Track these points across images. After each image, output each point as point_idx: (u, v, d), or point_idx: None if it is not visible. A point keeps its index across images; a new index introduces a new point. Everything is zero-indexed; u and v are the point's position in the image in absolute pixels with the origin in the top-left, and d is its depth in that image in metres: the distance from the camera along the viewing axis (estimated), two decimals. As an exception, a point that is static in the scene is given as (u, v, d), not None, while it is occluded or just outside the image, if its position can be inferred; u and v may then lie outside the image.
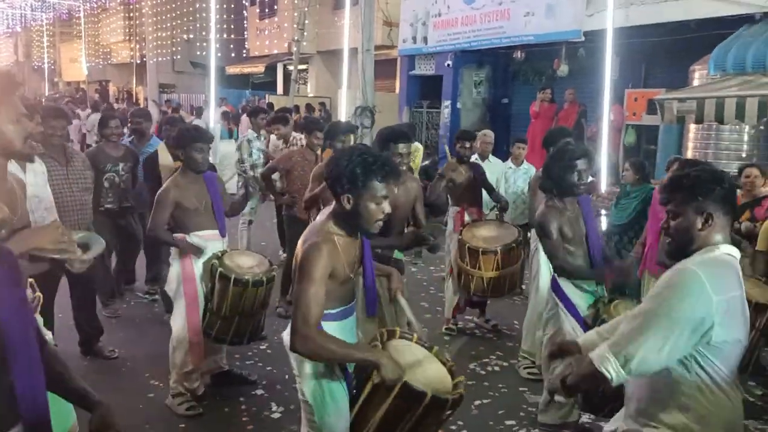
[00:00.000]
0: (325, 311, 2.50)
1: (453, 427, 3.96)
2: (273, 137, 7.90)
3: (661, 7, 8.78)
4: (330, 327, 2.51)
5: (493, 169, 6.48)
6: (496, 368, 4.89)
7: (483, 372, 4.82)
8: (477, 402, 4.31)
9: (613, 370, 1.98)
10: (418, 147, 8.10)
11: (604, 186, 7.84)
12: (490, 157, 6.62)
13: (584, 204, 3.80)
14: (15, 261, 1.67)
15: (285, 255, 6.56)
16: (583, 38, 9.73)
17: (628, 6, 8.92)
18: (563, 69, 10.60)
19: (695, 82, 8.24)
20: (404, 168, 3.85)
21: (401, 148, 3.77)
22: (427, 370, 2.53)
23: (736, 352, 2.04)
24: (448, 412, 2.47)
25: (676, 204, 2.12)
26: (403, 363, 2.42)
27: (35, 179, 4.04)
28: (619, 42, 8.43)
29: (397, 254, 3.99)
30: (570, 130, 6.26)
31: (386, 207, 2.48)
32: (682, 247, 2.11)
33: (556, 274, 3.75)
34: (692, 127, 8.10)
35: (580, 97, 10.40)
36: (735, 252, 2.08)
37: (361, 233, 2.60)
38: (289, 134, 7.35)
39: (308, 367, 2.54)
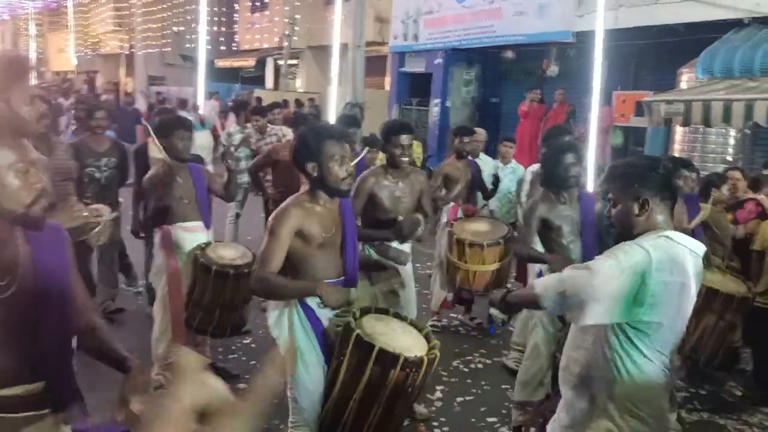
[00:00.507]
0: None
1: (435, 424, 3.97)
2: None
3: (651, 10, 8.84)
4: (313, 301, 2.70)
5: (484, 167, 6.48)
6: (480, 365, 4.91)
7: (466, 369, 4.83)
8: (459, 399, 4.32)
9: (551, 300, 2.16)
10: (418, 144, 8.07)
11: (591, 187, 7.87)
12: (481, 155, 6.62)
13: (584, 202, 3.84)
14: (60, 234, 1.86)
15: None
16: (573, 39, 9.76)
17: (618, 8, 8.95)
18: (553, 69, 10.64)
19: (683, 85, 8.30)
20: (407, 160, 3.90)
21: (403, 139, 3.85)
22: (402, 337, 2.63)
23: (663, 336, 2.11)
24: (423, 374, 2.55)
25: (614, 192, 2.23)
26: (376, 332, 2.56)
27: None
28: (608, 44, 8.45)
29: (401, 245, 4.00)
30: (570, 128, 6.24)
31: (349, 167, 2.74)
32: (624, 233, 2.21)
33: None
34: (679, 129, 8.16)
35: (569, 98, 10.43)
36: (680, 237, 2.14)
37: (334, 195, 2.78)
38: (265, 126, 7.26)
39: (282, 328, 2.75)
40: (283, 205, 2.74)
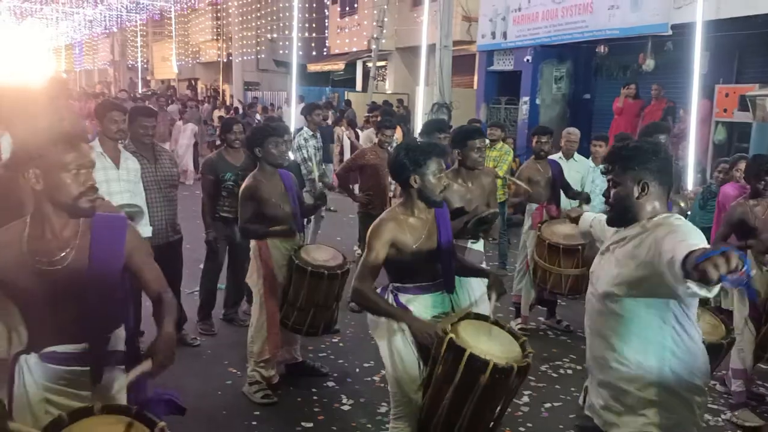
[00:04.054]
0: (399, 284, 3.00)
1: (522, 429, 3.95)
2: (367, 132, 7.88)
3: (756, -2, 8.31)
4: (407, 300, 2.96)
5: (579, 167, 6.32)
6: (569, 371, 4.82)
7: (555, 374, 4.76)
8: (547, 405, 4.27)
9: None
10: (508, 150, 7.83)
11: (690, 185, 7.54)
12: (575, 155, 6.46)
13: None
14: (120, 223, 2.25)
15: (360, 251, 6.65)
16: (670, 32, 9.34)
17: (720, -3, 8.49)
18: (649, 63, 10.22)
19: (793, 78, 7.77)
20: (481, 161, 4.07)
21: (478, 143, 4.02)
22: (496, 343, 2.68)
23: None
24: (513, 382, 2.60)
25: (616, 173, 2.25)
26: (470, 338, 2.63)
27: (127, 175, 4.32)
28: (709, 35, 8.05)
29: (474, 245, 4.08)
30: (668, 126, 5.97)
31: (443, 179, 2.98)
32: (621, 214, 2.25)
33: None
34: (788, 125, 7.65)
35: (667, 93, 9.99)
36: (685, 221, 2.17)
37: (432, 205, 3.01)
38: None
39: (381, 331, 2.97)
40: (378, 218, 2.99)
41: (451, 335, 2.60)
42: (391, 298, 2.98)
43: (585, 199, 5.73)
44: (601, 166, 2.41)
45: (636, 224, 2.20)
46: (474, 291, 3.77)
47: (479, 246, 4.13)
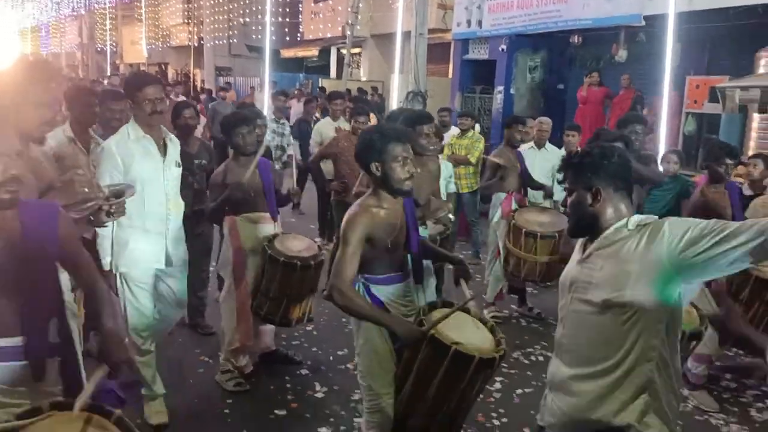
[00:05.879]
0: (372, 275, 2.89)
1: (494, 415, 3.99)
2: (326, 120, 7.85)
3: (727, -9, 8.42)
4: (377, 290, 2.88)
5: (550, 157, 6.36)
6: (540, 358, 4.87)
7: (526, 361, 4.81)
8: (519, 391, 4.31)
9: None
10: (479, 138, 7.73)
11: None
12: (547, 145, 6.50)
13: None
14: (51, 210, 2.16)
15: (321, 240, 6.67)
16: (643, 23, 9.42)
17: (692, -11, 8.57)
18: (622, 54, 10.31)
19: (761, 70, 7.89)
20: (432, 148, 4.13)
21: (426, 128, 4.06)
22: (471, 333, 2.71)
23: None
24: (493, 370, 2.68)
25: (569, 181, 2.17)
26: (451, 333, 2.61)
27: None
28: (681, 27, 8.13)
29: (421, 230, 4.08)
30: (643, 117, 5.98)
31: (410, 167, 2.78)
32: (577, 223, 2.17)
33: None
34: (756, 116, 7.77)
35: (639, 84, 10.10)
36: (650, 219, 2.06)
37: (396, 195, 2.84)
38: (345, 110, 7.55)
39: (361, 326, 2.89)
40: (351, 212, 2.80)
41: (433, 332, 2.59)
42: (362, 289, 2.89)
43: (548, 193, 5.79)
44: (558, 175, 2.34)
45: (614, 230, 2.05)
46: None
47: (424, 231, 4.13)
